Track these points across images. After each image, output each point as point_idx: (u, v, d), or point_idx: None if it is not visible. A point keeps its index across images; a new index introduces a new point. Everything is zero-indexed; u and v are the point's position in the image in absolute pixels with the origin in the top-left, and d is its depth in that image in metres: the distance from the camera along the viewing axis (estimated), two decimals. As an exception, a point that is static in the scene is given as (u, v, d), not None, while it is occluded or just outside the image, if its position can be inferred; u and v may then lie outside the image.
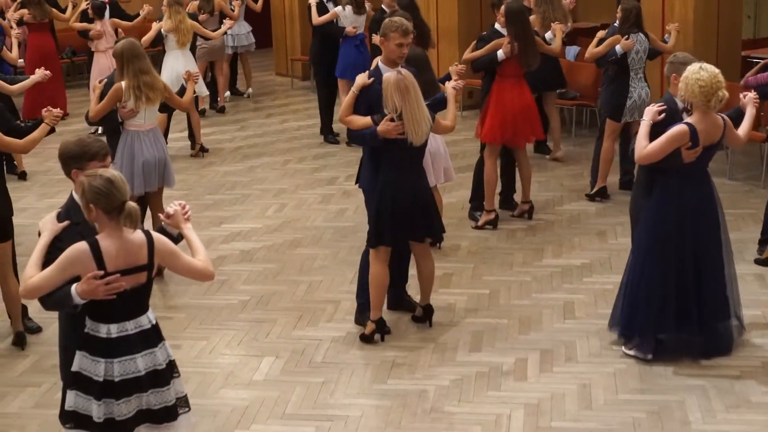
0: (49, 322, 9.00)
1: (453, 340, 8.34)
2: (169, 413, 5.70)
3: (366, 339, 8.32)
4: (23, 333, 8.58)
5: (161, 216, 5.85)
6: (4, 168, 8.50)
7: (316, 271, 9.98)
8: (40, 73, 11.22)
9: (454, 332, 8.48)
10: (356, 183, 8.84)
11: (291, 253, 10.49)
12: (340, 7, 14.49)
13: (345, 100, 8.37)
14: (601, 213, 11.37)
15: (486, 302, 9.04)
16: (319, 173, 13.41)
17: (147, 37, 14.10)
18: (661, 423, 6.99)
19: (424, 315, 8.59)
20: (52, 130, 8.56)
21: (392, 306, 8.86)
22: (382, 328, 8.35)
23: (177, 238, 5.81)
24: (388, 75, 7.94)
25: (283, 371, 7.95)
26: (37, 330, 8.77)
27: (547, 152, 13.59)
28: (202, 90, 14.69)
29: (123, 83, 9.42)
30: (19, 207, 10.40)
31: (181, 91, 10.10)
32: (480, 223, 10.96)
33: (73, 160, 5.79)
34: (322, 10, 14.61)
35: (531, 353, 8.08)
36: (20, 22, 16.07)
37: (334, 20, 14.55)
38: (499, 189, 11.29)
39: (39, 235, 5.65)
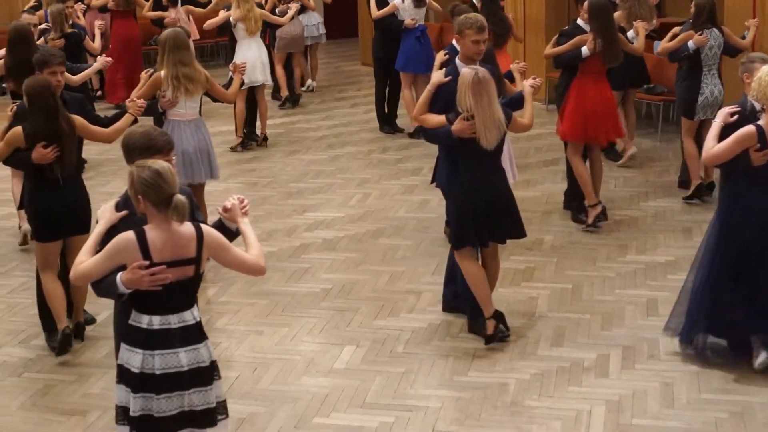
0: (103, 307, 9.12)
1: (535, 334, 8.31)
2: (211, 417, 5.60)
3: (491, 339, 8.09)
4: (81, 323, 8.49)
5: (219, 210, 5.81)
6: (82, 160, 8.48)
7: (398, 261, 10.00)
8: (101, 61, 11.40)
9: (536, 326, 8.45)
10: (432, 182, 8.80)
11: (373, 243, 10.52)
12: (399, 0, 14.39)
13: (421, 97, 8.31)
14: (687, 210, 11.25)
15: (568, 297, 8.99)
16: (403, 164, 13.42)
17: (212, 21, 14.10)
18: (744, 424, 6.91)
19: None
20: (135, 121, 8.60)
21: (448, 307, 8.73)
22: (500, 319, 8.13)
23: (235, 233, 5.77)
24: (465, 73, 7.83)
25: (363, 360, 7.98)
26: (91, 321, 8.70)
27: (616, 158, 13.18)
28: (268, 79, 14.59)
29: (162, 72, 9.51)
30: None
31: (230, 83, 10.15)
32: (590, 221, 10.67)
33: (137, 151, 5.75)
34: (381, 3, 14.52)
35: (613, 349, 8.02)
36: (103, 9, 16.28)
37: (394, 13, 14.47)
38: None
39: (96, 222, 5.69)
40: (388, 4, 14.40)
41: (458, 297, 8.57)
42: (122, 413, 5.58)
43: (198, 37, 16.79)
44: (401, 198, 11.96)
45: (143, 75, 9.78)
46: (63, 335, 8.18)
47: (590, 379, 7.60)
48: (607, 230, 10.63)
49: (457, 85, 7.82)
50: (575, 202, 11.03)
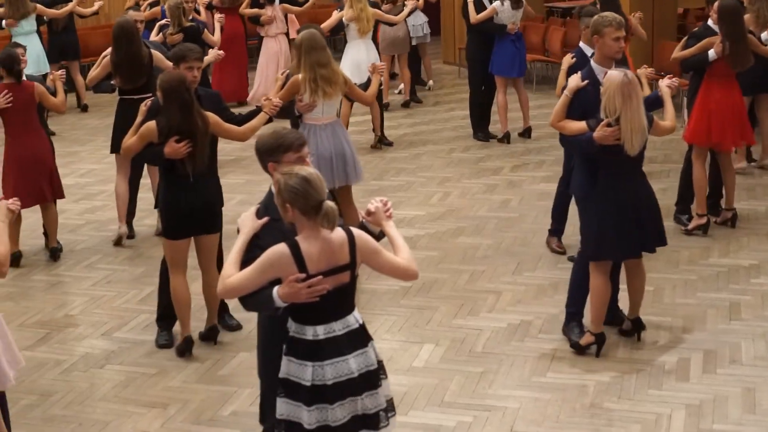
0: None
1: (615, 336, 8.24)
2: (382, 418, 5.53)
3: (579, 348, 7.97)
4: (216, 327, 8.45)
5: (361, 213, 5.66)
6: (217, 159, 8.43)
7: (478, 260, 9.98)
8: (213, 54, 11.45)
9: (617, 328, 8.37)
10: (567, 189, 8.59)
11: (454, 242, 10.51)
12: (498, 3, 14.19)
13: (558, 103, 8.01)
14: (772, 213, 11.13)
15: (650, 299, 8.89)
16: (484, 163, 13.39)
17: (327, 24, 14.03)
18: (827, 431, 6.82)
19: (633, 329, 8.21)
20: (269, 120, 8.62)
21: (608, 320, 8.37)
22: (601, 342, 7.95)
23: (378, 236, 5.60)
24: (614, 75, 7.50)
25: (442, 359, 7.98)
26: (237, 327, 8.64)
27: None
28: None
29: (299, 76, 9.21)
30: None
31: (365, 84, 9.86)
32: (690, 227, 10.50)
33: (268, 153, 5.66)
34: (479, 6, 14.33)
35: (694, 353, 7.94)
36: (209, 6, 16.41)
37: (492, 16, 14.34)
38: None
39: (238, 232, 5.56)
40: (485, 7, 14.12)
41: (618, 312, 8.39)
42: (285, 427, 5.46)
43: (295, 36, 16.85)
44: (482, 197, 11.94)
45: (279, 76, 9.64)
46: (185, 341, 8.23)
47: (671, 382, 7.53)
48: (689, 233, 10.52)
49: (603, 88, 7.53)
50: (682, 204, 10.83)
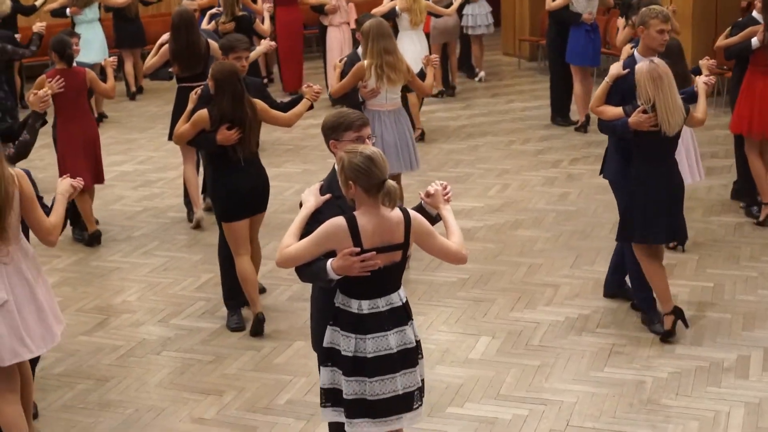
0: (272, 287, 9.22)
1: (680, 331, 8.13)
2: (416, 398, 5.57)
3: (668, 335, 7.98)
4: (260, 315, 8.46)
5: (420, 194, 5.72)
6: (259, 143, 8.60)
7: (536, 253, 9.92)
8: (265, 44, 11.48)
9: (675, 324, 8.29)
10: (600, 173, 8.64)
11: (512, 234, 10.46)
12: (573, -9, 14.19)
13: (598, 89, 8.16)
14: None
15: (709, 296, 8.81)
16: (543, 155, 13.31)
17: (378, 11, 14.01)
18: None
19: (675, 319, 8.06)
20: (311, 107, 8.74)
21: (610, 293, 8.75)
22: (679, 315, 7.98)
23: (435, 218, 5.68)
24: (641, 65, 7.71)
25: (499, 352, 7.93)
26: (261, 291, 8.91)
27: None
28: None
29: (365, 62, 9.36)
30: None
31: (420, 75, 9.80)
32: (762, 218, 10.43)
33: (331, 130, 5.73)
34: (556, -7, 14.34)
35: (754, 351, 7.83)
36: None
37: (568, 5, 14.26)
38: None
39: (300, 206, 5.61)
40: None
41: (623, 287, 8.63)
42: (329, 396, 5.55)
43: (354, 25, 16.83)
44: (541, 190, 11.86)
45: (338, 63, 9.72)
46: (257, 320, 8.39)
47: (729, 380, 7.43)
48: (750, 229, 10.39)
49: (635, 79, 7.69)
50: (747, 196, 10.75)
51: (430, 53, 14.84)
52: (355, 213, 5.33)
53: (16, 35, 13.74)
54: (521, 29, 19.87)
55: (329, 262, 5.32)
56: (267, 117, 8.50)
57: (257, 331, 8.38)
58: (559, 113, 14.88)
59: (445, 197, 5.66)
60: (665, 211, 7.87)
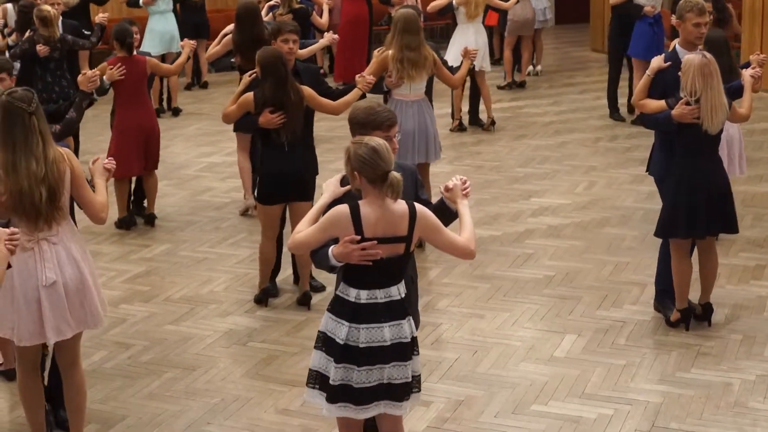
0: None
1: (762, 334, 8.05)
2: (405, 390, 5.62)
3: (672, 325, 8.15)
4: (309, 293, 8.83)
5: (441, 189, 5.79)
6: (313, 129, 8.80)
7: (623, 251, 9.84)
8: (328, 38, 11.55)
9: (764, 326, 8.19)
10: (647, 171, 8.65)
11: (598, 232, 10.39)
12: (636, -16, 14.06)
13: (640, 83, 8.16)
14: None
15: (799, 298, 8.71)
16: (631, 153, 13.20)
17: (435, 5, 13.82)
18: None
19: (703, 314, 8.20)
20: (363, 96, 8.84)
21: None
22: (687, 317, 8.10)
23: (455, 214, 5.72)
24: (692, 57, 7.67)
25: (584, 350, 7.89)
26: (321, 289, 9.05)
27: None
28: (486, 65, 14.42)
29: (390, 52, 9.53)
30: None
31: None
32: None
33: (359, 126, 5.79)
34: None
35: None
36: None
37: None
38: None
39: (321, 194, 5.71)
40: None
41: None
42: (316, 378, 5.65)
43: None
44: (629, 187, 11.77)
45: (376, 53, 9.84)
46: (262, 292, 8.91)
47: (820, 384, 7.34)
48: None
49: (683, 70, 7.68)
50: None
51: (502, 46, 14.87)
52: (360, 202, 5.42)
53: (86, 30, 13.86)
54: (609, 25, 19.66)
55: (331, 248, 5.43)
56: (314, 104, 8.64)
57: (259, 301, 8.90)
58: (617, 109, 14.92)
59: (464, 192, 5.73)
60: (708, 207, 7.82)
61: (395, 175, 5.35)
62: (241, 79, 10.88)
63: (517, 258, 9.57)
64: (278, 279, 9.40)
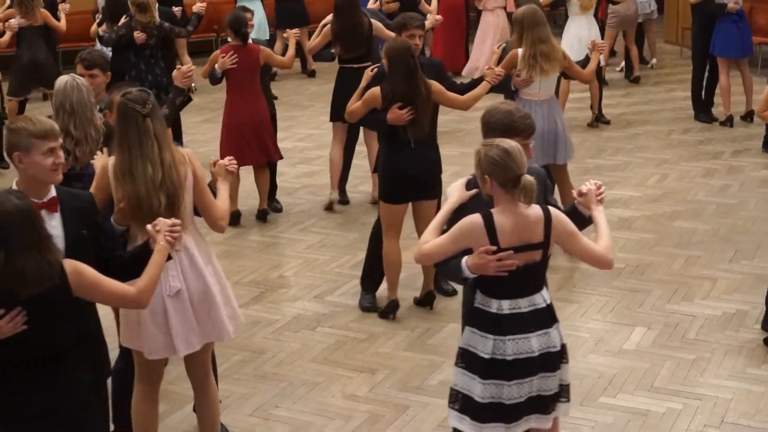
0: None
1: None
2: (552, 402, 5.38)
3: None
4: (432, 292, 8.55)
5: (573, 193, 5.56)
6: (436, 128, 8.52)
7: (694, 245, 9.77)
8: (431, 19, 11.46)
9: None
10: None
11: (670, 225, 10.31)
12: (717, -20, 13.82)
13: (764, 92, 7.85)
14: None
15: None
16: (704, 146, 13.09)
17: None
18: None
19: None
20: (491, 89, 8.64)
21: None
22: None
23: (588, 220, 5.49)
24: None
25: (654, 343, 7.84)
26: (452, 293, 8.68)
27: None
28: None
29: (518, 50, 9.18)
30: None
31: (584, 61, 9.67)
32: None
33: (497, 130, 5.47)
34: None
35: None
36: None
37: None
38: None
39: (445, 198, 5.54)
40: None
41: None
42: (458, 398, 5.38)
43: (513, 10, 16.73)
44: (701, 181, 11.67)
45: (495, 49, 9.64)
46: (391, 304, 8.39)
47: None
48: None
49: None
50: None
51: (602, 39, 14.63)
52: (492, 210, 5.19)
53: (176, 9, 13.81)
54: (684, 17, 19.47)
55: (464, 259, 5.19)
56: (443, 99, 8.31)
57: (387, 313, 8.38)
58: (702, 110, 14.45)
59: (599, 197, 5.46)
60: None
61: (528, 178, 5.08)
62: (339, 69, 10.85)
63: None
64: (350, 264, 9.43)
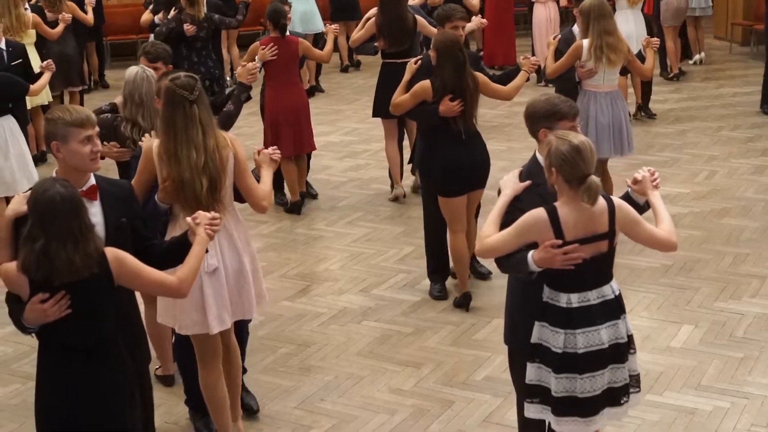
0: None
1: None
2: (624, 392, 5.37)
3: None
4: (469, 294, 8.48)
5: (627, 182, 5.56)
6: (477, 124, 8.53)
7: (743, 243, 9.68)
8: (476, 21, 11.44)
9: None
10: None
11: (718, 222, 10.23)
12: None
13: None
14: None
15: None
16: (754, 143, 12.97)
17: None
18: None
19: None
20: (528, 79, 8.73)
21: None
22: None
23: (643, 207, 5.49)
24: None
25: (701, 341, 7.78)
26: (488, 275, 8.88)
27: None
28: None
29: (585, 42, 9.25)
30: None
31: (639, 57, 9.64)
32: None
33: (543, 118, 5.55)
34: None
35: None
36: None
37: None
38: None
39: (498, 193, 5.51)
40: None
41: None
42: (536, 392, 5.36)
43: (565, 3, 16.63)
44: (750, 178, 11.57)
45: (551, 41, 9.65)
46: (464, 296, 8.43)
47: None
48: None
49: None
50: None
51: (653, 35, 14.55)
52: (556, 204, 5.18)
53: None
54: (734, 13, 19.37)
55: (530, 254, 5.17)
56: (487, 90, 8.41)
57: (461, 303, 8.41)
58: None
59: (654, 183, 5.47)
60: None
61: (594, 179, 5.06)
62: (383, 64, 10.91)
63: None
64: (396, 258, 9.43)
